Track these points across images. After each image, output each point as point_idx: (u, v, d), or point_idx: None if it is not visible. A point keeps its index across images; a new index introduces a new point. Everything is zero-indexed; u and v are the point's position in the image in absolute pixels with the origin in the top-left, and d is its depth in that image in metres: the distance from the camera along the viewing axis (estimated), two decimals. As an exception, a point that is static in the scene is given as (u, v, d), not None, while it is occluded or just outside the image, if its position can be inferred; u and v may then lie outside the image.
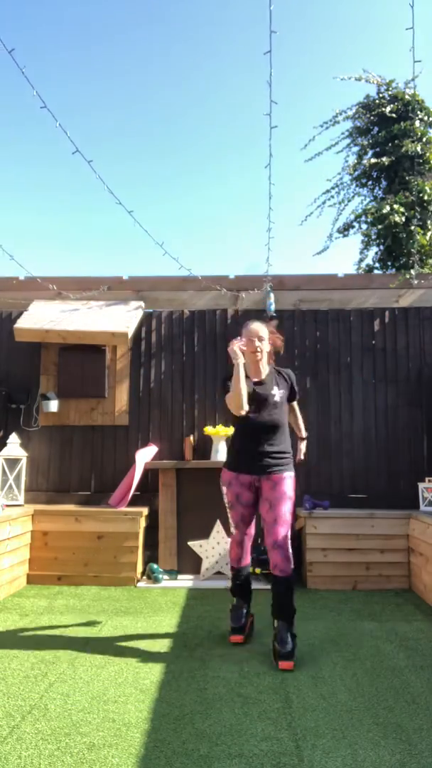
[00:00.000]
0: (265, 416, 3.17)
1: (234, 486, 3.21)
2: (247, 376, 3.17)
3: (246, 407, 3.09)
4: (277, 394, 3.21)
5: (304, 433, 3.59)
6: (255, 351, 3.16)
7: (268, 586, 4.18)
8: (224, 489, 3.27)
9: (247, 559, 3.40)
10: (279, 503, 3.09)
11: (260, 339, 3.18)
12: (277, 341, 3.34)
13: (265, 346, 3.21)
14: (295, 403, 3.49)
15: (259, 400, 3.17)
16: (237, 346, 3.08)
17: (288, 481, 3.15)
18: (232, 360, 3.08)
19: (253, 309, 5.36)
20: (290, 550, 3.08)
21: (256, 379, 3.23)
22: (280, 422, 3.21)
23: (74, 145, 4.23)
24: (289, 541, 3.09)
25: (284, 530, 3.07)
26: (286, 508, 3.10)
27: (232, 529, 3.35)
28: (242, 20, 9.84)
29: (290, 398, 3.37)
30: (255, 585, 4.27)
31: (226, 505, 3.31)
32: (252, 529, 3.37)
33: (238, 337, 3.17)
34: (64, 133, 4.16)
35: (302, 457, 3.54)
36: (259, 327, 3.22)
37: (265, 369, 3.25)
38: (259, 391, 3.19)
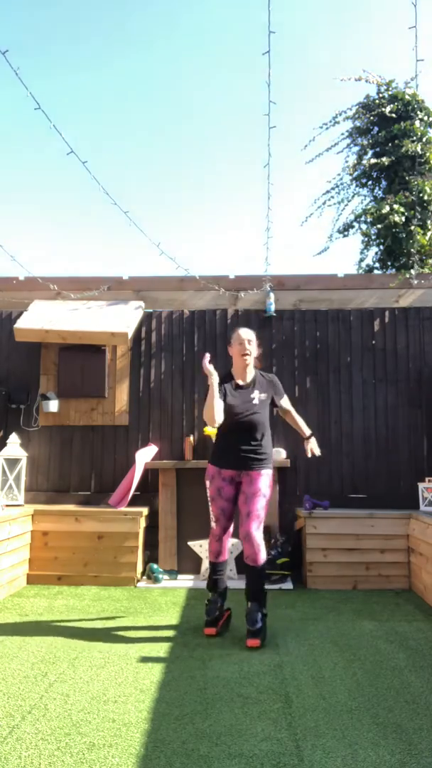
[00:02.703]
0: (245, 416, 3.40)
1: (216, 480, 3.44)
2: (233, 379, 3.48)
3: (220, 420, 3.28)
4: (257, 396, 3.45)
5: (307, 432, 3.70)
6: (245, 354, 3.42)
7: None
8: (207, 483, 3.50)
9: (225, 555, 3.54)
10: (253, 498, 3.35)
11: (249, 343, 3.44)
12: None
13: (253, 350, 3.46)
14: (289, 406, 3.68)
15: (241, 401, 3.42)
16: (209, 363, 3.31)
17: (265, 478, 3.41)
18: (207, 375, 3.30)
19: (252, 309, 5.37)
20: (260, 541, 3.32)
21: (240, 382, 3.48)
22: (260, 422, 3.43)
23: (69, 146, 4.24)
24: (260, 533, 3.34)
25: (255, 524, 3.31)
26: (260, 504, 3.35)
27: (213, 524, 3.49)
28: (241, 20, 9.85)
29: (274, 401, 3.57)
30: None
31: (208, 498, 3.49)
32: (231, 527, 3.53)
33: (207, 355, 3.36)
34: (59, 134, 4.17)
35: (315, 452, 3.63)
36: (247, 332, 3.49)
37: (250, 373, 3.50)
38: (242, 392, 3.45)
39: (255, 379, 3.50)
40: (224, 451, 3.45)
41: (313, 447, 3.64)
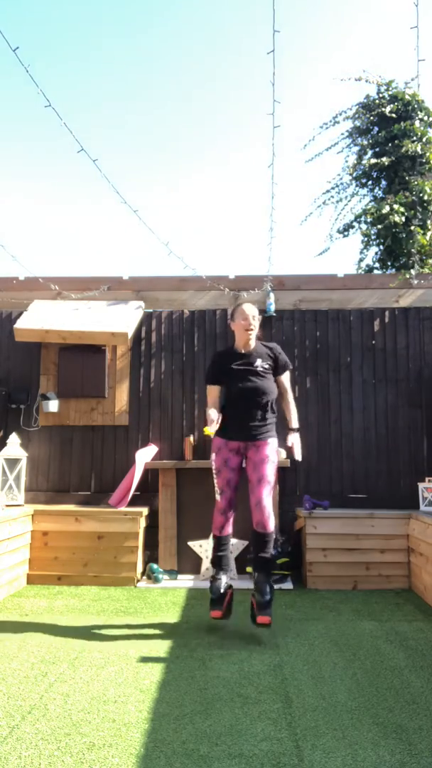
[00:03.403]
0: (250, 384, 3.45)
1: (223, 451, 3.47)
2: (236, 351, 3.57)
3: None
4: (260, 365, 3.50)
5: (293, 424, 3.60)
6: (249, 329, 3.49)
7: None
8: (213, 456, 3.51)
9: (229, 528, 3.53)
10: (262, 464, 3.40)
11: (254, 318, 3.52)
12: None
13: (256, 324, 3.55)
14: (287, 386, 3.64)
15: (246, 371, 3.48)
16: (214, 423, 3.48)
17: (271, 446, 3.45)
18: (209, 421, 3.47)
19: (253, 309, 5.36)
20: (270, 509, 3.38)
21: (244, 351, 3.55)
22: (264, 389, 3.46)
23: (79, 144, 4.25)
24: (270, 500, 3.39)
25: (266, 490, 3.38)
26: (269, 470, 3.41)
27: (218, 496, 3.46)
28: (242, 20, 9.84)
29: (277, 370, 3.58)
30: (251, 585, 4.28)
31: (213, 472, 3.48)
32: (235, 499, 3.48)
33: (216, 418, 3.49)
34: (69, 132, 4.17)
35: (296, 453, 3.54)
36: (251, 308, 3.57)
37: (252, 344, 3.57)
38: (246, 361, 3.51)
39: (256, 349, 3.56)
40: (231, 421, 3.47)
41: (294, 443, 3.53)
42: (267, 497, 3.36)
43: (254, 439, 3.43)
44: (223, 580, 3.44)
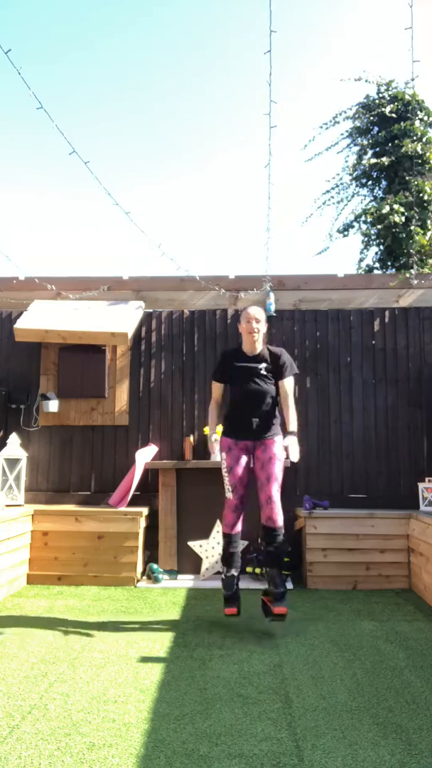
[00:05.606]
0: (253, 386, 3.57)
1: (233, 450, 3.57)
2: (242, 352, 3.68)
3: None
4: (263, 367, 3.61)
5: (292, 427, 3.48)
6: (252, 332, 3.58)
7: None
8: (223, 455, 3.59)
9: (240, 526, 3.58)
10: (270, 463, 3.48)
11: (257, 321, 3.60)
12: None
13: (262, 327, 3.63)
14: (289, 390, 3.61)
15: (249, 372, 3.59)
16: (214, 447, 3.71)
17: (278, 443, 3.53)
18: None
19: (253, 309, 5.36)
20: (279, 504, 3.44)
21: (249, 354, 3.65)
22: (267, 390, 3.58)
23: (71, 146, 4.24)
24: (279, 496, 3.45)
25: (275, 486, 3.46)
26: (277, 468, 3.49)
27: (229, 495, 3.53)
28: (242, 19, 9.84)
29: (281, 374, 3.61)
30: (256, 585, 4.30)
31: (224, 471, 3.56)
32: (246, 496, 3.56)
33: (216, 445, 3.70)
34: (61, 134, 4.17)
35: (291, 455, 3.37)
36: (256, 311, 3.66)
37: (258, 347, 3.66)
38: (251, 364, 3.62)
39: (262, 353, 3.65)
40: (238, 422, 3.58)
41: (290, 445, 3.38)
42: (276, 493, 3.44)
43: (261, 438, 3.53)
44: (235, 578, 3.51)
